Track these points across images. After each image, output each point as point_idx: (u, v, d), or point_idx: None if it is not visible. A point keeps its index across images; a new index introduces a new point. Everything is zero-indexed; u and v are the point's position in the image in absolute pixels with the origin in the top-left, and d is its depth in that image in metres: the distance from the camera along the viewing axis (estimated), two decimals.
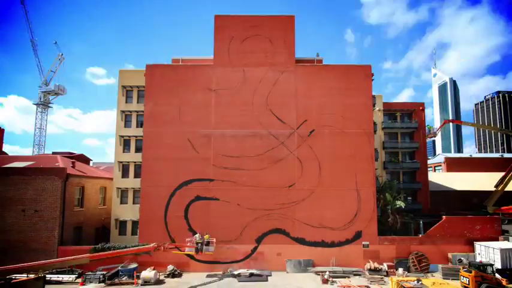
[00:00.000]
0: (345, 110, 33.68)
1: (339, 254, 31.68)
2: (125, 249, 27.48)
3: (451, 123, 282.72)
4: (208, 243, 27.98)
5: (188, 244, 28.00)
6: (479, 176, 58.25)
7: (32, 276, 21.04)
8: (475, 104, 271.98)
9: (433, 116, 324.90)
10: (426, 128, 47.51)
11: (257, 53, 34.44)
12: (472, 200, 51.96)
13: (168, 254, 31.08)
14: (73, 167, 36.03)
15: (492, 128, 70.80)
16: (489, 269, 25.12)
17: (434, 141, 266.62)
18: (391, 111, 45.23)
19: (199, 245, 27.70)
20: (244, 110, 33.59)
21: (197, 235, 28.43)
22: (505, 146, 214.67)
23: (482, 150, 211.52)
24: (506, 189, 38.19)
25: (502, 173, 39.59)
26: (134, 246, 30.33)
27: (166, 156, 32.89)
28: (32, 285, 21.77)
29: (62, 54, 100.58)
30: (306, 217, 32.28)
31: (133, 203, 37.23)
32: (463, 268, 25.99)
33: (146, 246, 26.82)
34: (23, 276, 27.31)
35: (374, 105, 42.77)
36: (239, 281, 28.14)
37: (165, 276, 29.37)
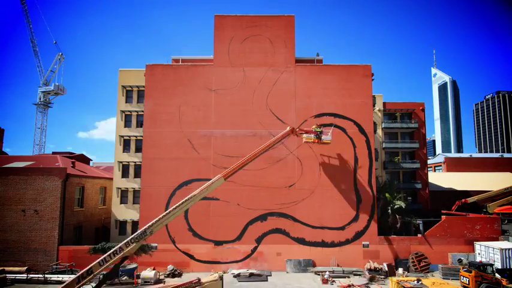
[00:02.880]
0: (345, 110, 33.68)
1: (339, 254, 31.68)
2: (265, 144, 26.87)
3: (451, 128, 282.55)
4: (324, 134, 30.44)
5: (309, 131, 30.22)
6: (479, 176, 58.31)
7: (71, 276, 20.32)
8: (475, 104, 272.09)
9: (434, 116, 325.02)
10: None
11: (257, 53, 34.45)
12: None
13: (168, 254, 31.17)
14: (73, 167, 36.04)
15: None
16: (489, 269, 25.11)
17: (434, 141, 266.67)
18: (391, 111, 45.22)
19: (319, 133, 30.19)
20: (244, 110, 33.60)
21: (314, 126, 30.72)
22: (505, 146, 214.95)
23: (482, 150, 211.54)
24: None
25: (502, 173, 39.55)
26: None
27: (166, 156, 32.90)
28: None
29: (62, 54, 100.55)
30: (306, 217, 32.28)
31: (133, 203, 37.25)
32: (463, 268, 25.99)
33: (284, 132, 27.98)
34: (23, 277, 27.37)
35: (374, 105, 42.83)
36: (239, 281, 28.14)
37: (165, 276, 29.39)
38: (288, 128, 28.11)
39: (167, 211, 20.46)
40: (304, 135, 30.33)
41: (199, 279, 21.28)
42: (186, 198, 21.22)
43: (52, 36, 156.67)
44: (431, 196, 44.39)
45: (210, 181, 22.57)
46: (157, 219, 19.80)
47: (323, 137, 30.23)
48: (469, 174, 59.88)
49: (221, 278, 22.51)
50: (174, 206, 20.75)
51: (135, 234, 18.92)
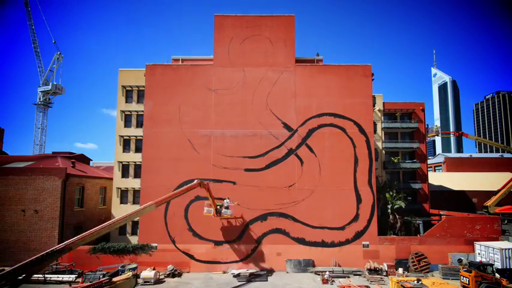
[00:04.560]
0: (344, 110, 33.67)
1: (339, 254, 31.68)
2: (177, 190, 26.70)
3: (451, 128, 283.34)
4: (227, 207, 30.02)
5: (207, 205, 29.78)
6: (479, 176, 58.37)
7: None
8: (475, 104, 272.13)
9: (434, 116, 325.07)
10: (432, 126, 47.52)
11: (257, 53, 34.44)
12: (472, 200, 52.13)
13: (168, 254, 31.17)
14: (73, 167, 36.05)
15: (495, 144, 70.83)
16: (489, 269, 25.12)
17: (434, 141, 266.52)
18: (391, 111, 45.22)
19: (219, 207, 29.97)
20: (244, 110, 33.59)
21: (226, 200, 30.47)
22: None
23: (482, 150, 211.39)
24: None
25: (502, 173, 39.61)
26: (135, 246, 30.52)
27: (166, 156, 32.89)
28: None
29: (61, 53, 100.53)
30: (306, 217, 32.28)
31: (133, 203, 37.25)
32: (463, 268, 26.00)
33: (191, 184, 27.06)
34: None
35: (374, 105, 42.82)
36: (239, 281, 28.14)
37: (165, 276, 29.38)
38: (195, 181, 27.11)
39: (92, 230, 20.17)
40: (205, 209, 29.83)
41: (110, 279, 21.06)
42: (114, 219, 21.87)
43: (52, 36, 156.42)
44: (431, 196, 44.41)
45: (142, 206, 23.68)
46: (76, 238, 19.21)
47: (223, 210, 29.94)
48: (469, 174, 59.96)
49: (134, 276, 22.79)
50: (102, 225, 20.87)
51: (46, 251, 17.63)
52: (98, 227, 20.53)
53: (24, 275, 16.62)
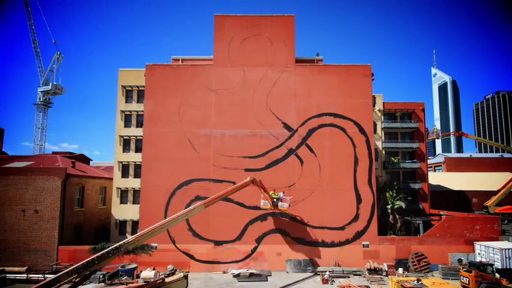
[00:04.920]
0: (344, 110, 33.67)
1: (339, 254, 31.68)
2: (229, 188, 26.63)
3: (451, 128, 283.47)
4: (282, 201, 30.09)
5: (263, 198, 29.64)
6: (479, 176, 58.36)
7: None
8: (475, 104, 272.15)
9: (434, 116, 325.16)
10: (432, 128, 47.57)
11: (257, 53, 34.43)
12: (472, 200, 52.15)
13: (168, 254, 31.16)
14: (73, 167, 36.04)
15: (495, 144, 71.18)
16: (489, 269, 25.10)
17: (434, 141, 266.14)
18: (391, 111, 45.22)
19: (276, 200, 29.74)
20: (244, 110, 33.59)
21: (272, 192, 30.10)
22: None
23: (482, 150, 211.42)
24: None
25: (502, 173, 39.63)
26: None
27: (166, 156, 32.89)
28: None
29: (61, 53, 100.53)
30: (306, 217, 32.28)
31: (133, 203, 37.26)
32: (463, 268, 25.99)
33: (244, 181, 27.10)
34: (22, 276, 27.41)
35: (374, 105, 42.82)
36: (239, 281, 28.14)
37: (165, 276, 29.31)
38: (248, 179, 27.24)
39: (147, 229, 20.68)
40: (262, 201, 29.97)
41: (163, 279, 21.37)
42: (169, 218, 22.18)
43: (52, 36, 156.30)
44: (431, 196, 44.40)
45: (192, 207, 23.79)
46: (134, 237, 20.14)
47: (279, 203, 29.88)
48: (469, 174, 59.96)
49: (185, 277, 22.91)
50: (154, 225, 21.12)
51: (108, 249, 18.76)
52: (151, 227, 20.79)
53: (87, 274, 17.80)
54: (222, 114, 33.63)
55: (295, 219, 32.23)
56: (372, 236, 32.08)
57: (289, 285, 27.21)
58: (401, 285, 22.89)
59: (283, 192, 30.87)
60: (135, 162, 37.88)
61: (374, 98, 42.79)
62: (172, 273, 29.63)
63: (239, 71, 34.14)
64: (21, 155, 40.21)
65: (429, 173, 50.27)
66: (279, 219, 32.25)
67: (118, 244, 19.22)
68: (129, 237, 20.10)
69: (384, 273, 29.76)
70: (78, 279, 17.32)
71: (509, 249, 28.04)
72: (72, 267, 16.97)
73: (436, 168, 71.37)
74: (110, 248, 18.79)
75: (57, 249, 30.31)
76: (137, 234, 20.67)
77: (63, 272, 16.68)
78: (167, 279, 22.13)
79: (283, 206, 30.01)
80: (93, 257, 17.80)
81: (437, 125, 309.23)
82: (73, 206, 33.39)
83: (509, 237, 32.80)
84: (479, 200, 50.66)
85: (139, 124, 38.36)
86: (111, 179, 38.95)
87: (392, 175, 44.21)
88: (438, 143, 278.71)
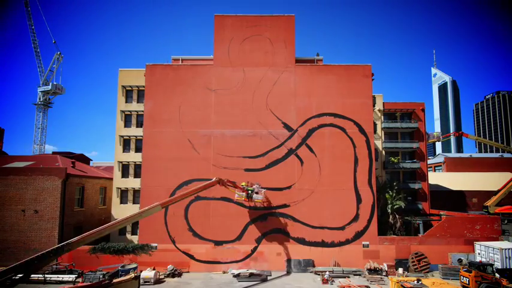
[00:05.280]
0: (344, 110, 33.67)
1: (339, 254, 31.68)
2: (191, 189, 26.86)
3: (451, 128, 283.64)
4: (257, 192, 30.45)
5: (237, 190, 30.23)
6: (479, 176, 58.37)
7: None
8: (475, 104, 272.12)
9: (434, 116, 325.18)
10: (433, 133, 47.63)
11: (257, 53, 34.43)
12: (472, 200, 52.16)
13: (168, 254, 31.16)
14: (73, 167, 36.05)
15: (495, 144, 71.48)
16: (489, 269, 25.10)
17: (434, 142, 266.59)
18: (391, 111, 45.22)
19: (250, 192, 30.12)
20: (244, 110, 33.59)
21: (243, 183, 30.73)
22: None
23: (482, 150, 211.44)
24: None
25: (502, 173, 39.64)
26: (135, 246, 30.52)
27: (166, 156, 32.89)
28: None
29: (61, 53, 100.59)
30: (306, 217, 32.28)
31: (133, 203, 37.26)
32: (463, 268, 26.00)
33: (209, 181, 27.68)
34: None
35: (374, 105, 42.82)
36: (239, 281, 28.14)
37: (165, 276, 29.38)
38: (213, 179, 27.96)
39: (93, 230, 20.24)
40: (237, 193, 30.33)
41: (111, 280, 21.19)
42: (121, 218, 21.83)
43: (52, 36, 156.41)
44: (431, 196, 44.39)
45: (148, 207, 23.38)
46: (79, 236, 19.44)
47: (254, 195, 30.27)
48: (469, 174, 59.96)
49: (137, 277, 22.50)
50: (104, 225, 20.92)
51: (50, 248, 18.13)
52: (98, 228, 20.55)
53: (23, 274, 16.79)
54: (222, 114, 33.63)
55: (294, 218, 32.19)
56: (371, 236, 32.08)
57: (289, 285, 27.21)
58: (401, 285, 22.90)
59: (259, 184, 31.24)
60: (135, 162, 37.89)
61: (374, 98, 42.79)
62: (172, 273, 29.66)
63: (239, 71, 34.14)
64: (21, 155, 40.22)
65: (429, 173, 50.29)
66: (279, 219, 32.25)
67: (61, 244, 18.56)
68: (74, 238, 19.20)
69: (384, 273, 29.76)
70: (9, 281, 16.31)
71: (509, 249, 28.05)
72: (9, 267, 16.25)
73: (436, 168, 71.38)
74: (52, 248, 18.01)
75: None
76: (84, 234, 19.84)
77: None
78: (115, 280, 21.72)
79: (257, 198, 30.52)
80: (32, 256, 17.10)
81: (437, 124, 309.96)
82: (73, 206, 33.40)
83: (509, 237, 32.81)
84: (479, 200, 50.66)
85: (140, 124, 38.36)
86: (111, 179, 38.95)
87: (392, 175, 44.21)
88: (438, 143, 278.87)
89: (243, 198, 30.35)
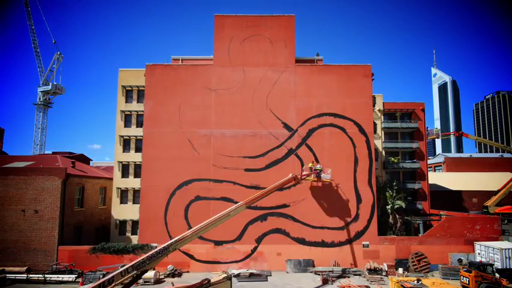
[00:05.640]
0: (344, 110, 33.67)
1: (339, 254, 31.68)
2: (270, 187, 26.66)
3: (451, 128, 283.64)
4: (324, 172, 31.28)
5: (309, 174, 30.55)
6: (479, 176, 58.37)
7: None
8: (475, 104, 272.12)
9: (434, 116, 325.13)
10: (433, 129, 47.61)
11: (257, 53, 34.43)
12: (472, 200, 52.17)
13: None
14: (73, 167, 36.03)
15: (495, 144, 71.62)
16: (489, 269, 25.08)
17: (434, 141, 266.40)
18: (391, 111, 45.22)
19: (319, 171, 30.75)
20: (244, 110, 33.58)
21: (310, 164, 31.30)
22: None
23: (482, 150, 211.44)
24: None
25: (502, 173, 39.65)
26: (136, 246, 30.50)
27: (166, 156, 32.88)
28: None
29: (61, 53, 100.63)
30: (306, 217, 32.27)
31: (134, 203, 37.27)
32: (463, 268, 25.98)
33: (287, 178, 27.95)
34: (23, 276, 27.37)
35: (374, 105, 42.83)
36: (239, 281, 28.14)
37: (165, 276, 29.38)
38: (290, 175, 28.16)
39: (192, 230, 20.48)
40: (307, 178, 30.60)
41: (208, 280, 21.16)
42: (213, 218, 21.94)
43: (52, 36, 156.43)
44: (431, 196, 44.42)
45: (234, 206, 23.27)
46: (180, 236, 19.77)
47: (322, 175, 30.95)
48: (469, 174, 59.97)
49: (229, 278, 22.22)
50: (199, 225, 21.00)
51: (157, 249, 18.60)
52: (197, 227, 20.72)
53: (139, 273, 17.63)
54: (222, 114, 33.63)
55: (294, 218, 32.18)
56: (371, 236, 32.08)
57: (289, 285, 27.21)
58: (401, 285, 22.87)
59: (320, 165, 31.64)
60: (135, 162, 37.89)
61: (374, 98, 42.80)
62: (172, 273, 29.66)
63: (239, 71, 34.14)
64: (21, 155, 40.22)
65: (429, 173, 50.31)
66: (279, 219, 32.25)
67: (166, 244, 18.87)
68: (177, 237, 19.62)
69: (384, 273, 29.74)
70: (129, 279, 17.21)
71: (509, 249, 28.04)
72: (125, 267, 16.82)
73: (436, 168, 71.38)
74: (159, 248, 18.57)
75: (57, 249, 30.29)
76: (186, 232, 20.21)
77: (116, 271, 16.54)
78: (213, 280, 21.73)
79: (326, 177, 31.21)
80: (143, 257, 17.66)
81: (437, 124, 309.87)
82: (73, 206, 33.38)
83: (509, 237, 32.81)
84: (479, 200, 50.69)
85: (140, 124, 38.37)
86: (111, 179, 38.96)
87: (392, 175, 44.22)
88: (438, 143, 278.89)
89: (312, 179, 30.96)
